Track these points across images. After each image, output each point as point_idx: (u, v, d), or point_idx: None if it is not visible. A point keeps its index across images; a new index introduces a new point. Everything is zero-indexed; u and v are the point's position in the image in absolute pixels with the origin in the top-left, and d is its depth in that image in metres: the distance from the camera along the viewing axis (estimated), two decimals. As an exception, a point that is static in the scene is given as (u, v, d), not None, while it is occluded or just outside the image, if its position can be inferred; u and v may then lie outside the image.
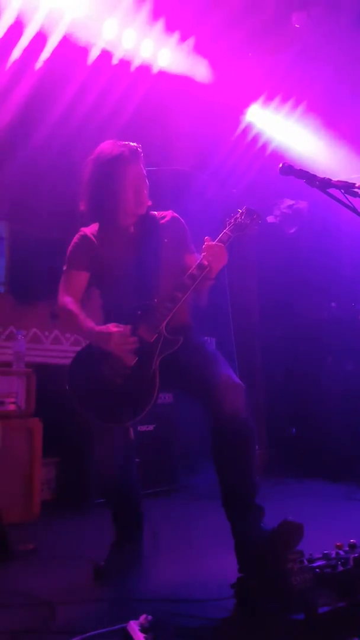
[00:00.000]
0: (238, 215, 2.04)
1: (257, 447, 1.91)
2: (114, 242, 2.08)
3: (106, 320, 2.10)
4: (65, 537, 2.57)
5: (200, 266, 1.95)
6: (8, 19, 3.04)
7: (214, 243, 1.97)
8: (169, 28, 3.56)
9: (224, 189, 4.00)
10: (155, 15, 3.46)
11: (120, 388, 1.92)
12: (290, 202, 4.26)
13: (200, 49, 3.75)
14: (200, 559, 2.16)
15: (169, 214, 2.16)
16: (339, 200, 1.75)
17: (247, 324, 4.27)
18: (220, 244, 1.97)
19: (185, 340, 1.95)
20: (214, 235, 2.00)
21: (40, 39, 3.17)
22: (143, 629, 1.42)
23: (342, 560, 1.49)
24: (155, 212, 2.15)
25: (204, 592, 1.75)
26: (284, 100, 4.22)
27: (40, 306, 3.44)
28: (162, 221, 2.13)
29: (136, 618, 1.46)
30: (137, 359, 1.91)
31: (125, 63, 3.56)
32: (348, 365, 3.85)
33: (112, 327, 1.91)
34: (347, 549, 1.56)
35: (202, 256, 1.96)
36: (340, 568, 1.46)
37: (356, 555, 1.51)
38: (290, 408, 4.09)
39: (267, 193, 4.14)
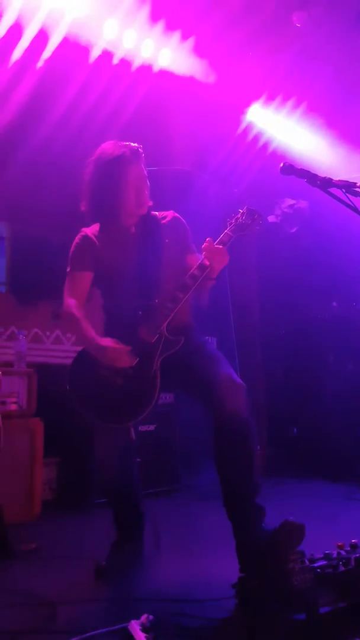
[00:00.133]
0: (239, 215, 2.03)
1: (257, 447, 1.91)
2: (115, 243, 2.08)
3: (107, 320, 2.11)
4: (67, 536, 2.57)
5: (202, 266, 1.95)
6: (9, 19, 3.04)
7: (215, 243, 1.97)
8: (170, 28, 3.55)
9: (225, 188, 3.99)
10: (156, 15, 3.46)
11: (121, 388, 1.92)
12: (291, 201, 4.26)
13: (200, 49, 3.75)
14: (201, 558, 2.16)
15: (170, 214, 2.16)
16: (340, 200, 1.74)
17: (248, 323, 4.27)
18: (221, 244, 1.97)
19: (186, 340, 1.95)
20: (215, 235, 2.00)
21: (41, 38, 3.17)
22: (144, 629, 1.42)
23: (344, 560, 1.49)
24: (157, 212, 2.15)
25: (205, 592, 1.75)
26: (285, 99, 4.21)
27: (42, 306, 3.45)
28: (163, 221, 2.13)
29: (137, 618, 1.47)
30: (138, 359, 1.91)
31: (126, 63, 3.57)
32: (349, 365, 3.84)
33: (110, 342, 1.90)
34: (349, 549, 1.56)
35: (203, 256, 1.96)
36: (342, 568, 1.46)
37: (357, 555, 1.51)
38: (291, 408, 4.09)
39: (268, 193, 4.13)
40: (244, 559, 1.78)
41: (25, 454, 2.83)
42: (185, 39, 3.65)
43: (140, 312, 1.97)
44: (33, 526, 2.70)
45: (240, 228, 2.02)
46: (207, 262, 1.94)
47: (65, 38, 3.23)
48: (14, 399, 2.86)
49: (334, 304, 3.97)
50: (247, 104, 4.28)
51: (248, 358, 4.03)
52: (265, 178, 3.94)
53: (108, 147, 2.07)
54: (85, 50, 3.36)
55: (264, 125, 4.37)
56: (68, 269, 2.10)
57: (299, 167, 1.80)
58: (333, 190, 1.76)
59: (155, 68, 3.69)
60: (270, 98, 4.22)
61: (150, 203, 2.10)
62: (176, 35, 3.61)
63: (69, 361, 2.11)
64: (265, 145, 4.37)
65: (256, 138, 4.36)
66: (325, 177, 1.76)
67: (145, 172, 2.08)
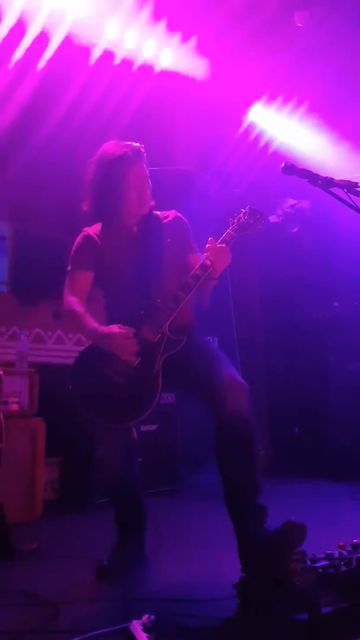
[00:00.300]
0: (241, 215, 2.03)
1: (259, 447, 1.90)
2: (117, 242, 2.08)
3: (109, 320, 2.11)
4: (68, 536, 2.57)
5: (204, 266, 1.95)
6: (11, 19, 3.05)
7: (217, 243, 1.97)
8: (171, 28, 3.55)
9: (226, 188, 3.99)
10: (157, 15, 3.46)
11: (123, 388, 1.92)
12: (292, 201, 4.25)
13: (202, 49, 3.75)
14: (203, 558, 2.16)
15: (172, 213, 2.16)
16: (341, 200, 1.74)
17: (249, 323, 4.27)
18: (223, 244, 1.97)
19: (188, 340, 1.95)
20: (217, 235, 2.00)
21: (42, 39, 3.17)
22: (146, 629, 1.42)
23: (345, 560, 1.48)
24: (158, 212, 2.15)
25: (207, 592, 1.75)
26: (286, 99, 4.21)
27: (43, 306, 3.45)
28: (165, 221, 2.13)
29: (139, 618, 1.47)
30: (140, 359, 1.91)
31: (127, 63, 3.57)
32: (351, 365, 3.84)
33: (115, 328, 1.91)
34: (350, 549, 1.55)
35: (205, 256, 1.96)
36: (343, 568, 1.46)
37: (359, 555, 1.50)
38: (292, 407, 4.09)
39: (269, 192, 4.13)
40: (245, 559, 1.78)
41: (27, 453, 2.84)
42: (186, 39, 3.65)
43: (142, 312, 1.97)
44: (34, 526, 2.70)
45: (243, 228, 2.01)
46: (209, 262, 1.94)
47: (67, 38, 3.23)
48: (15, 399, 2.86)
49: (335, 303, 3.97)
50: (249, 104, 4.28)
51: (249, 358, 4.02)
52: (266, 178, 3.94)
53: (110, 147, 2.07)
54: (86, 50, 3.36)
55: (266, 125, 4.36)
56: (69, 268, 2.10)
57: (301, 167, 1.80)
58: (334, 190, 1.75)
59: (157, 68, 3.69)
60: (272, 98, 4.22)
61: (152, 203, 2.10)
62: (177, 35, 3.61)
63: (70, 361, 2.11)
64: (267, 145, 4.37)
65: (257, 138, 4.36)
66: (326, 177, 1.76)
67: (147, 172, 2.08)
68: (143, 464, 2.32)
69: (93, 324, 1.95)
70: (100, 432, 2.06)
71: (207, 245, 1.97)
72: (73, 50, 3.29)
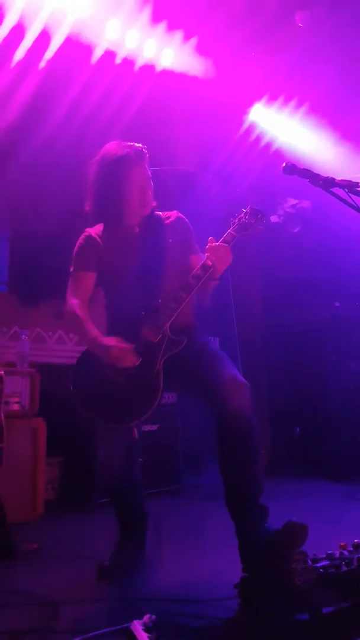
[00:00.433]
0: (242, 215, 2.03)
1: (261, 447, 1.90)
2: (119, 243, 2.08)
3: (110, 320, 2.11)
4: (69, 536, 2.57)
5: (205, 266, 1.95)
6: (12, 19, 3.05)
7: (218, 243, 1.97)
8: (172, 28, 3.56)
9: (228, 188, 3.99)
10: (158, 15, 3.46)
11: (124, 388, 1.92)
12: (293, 201, 4.25)
13: (203, 49, 3.75)
14: (204, 558, 2.16)
15: (173, 214, 2.16)
16: (342, 200, 1.74)
17: (250, 323, 4.27)
18: (224, 244, 1.97)
19: (189, 340, 1.95)
20: (218, 235, 2.00)
21: (43, 39, 3.18)
22: (147, 629, 1.42)
23: (346, 560, 1.48)
24: (160, 213, 2.15)
25: (208, 592, 1.75)
26: (287, 99, 4.21)
27: (44, 306, 3.45)
28: (167, 221, 2.13)
29: (140, 618, 1.47)
30: (141, 359, 1.91)
31: (128, 63, 3.57)
32: (352, 365, 3.83)
33: (114, 342, 1.90)
34: (351, 549, 1.55)
35: (206, 256, 1.96)
36: (344, 568, 1.46)
37: (360, 555, 1.50)
38: (293, 408, 4.08)
39: (270, 192, 4.13)
40: (246, 558, 1.78)
41: (28, 453, 2.84)
42: (187, 39, 3.65)
43: (143, 312, 1.97)
44: (35, 526, 2.70)
45: (244, 228, 2.01)
46: (210, 262, 1.94)
47: (68, 38, 3.23)
48: (16, 399, 2.86)
49: (337, 303, 3.97)
50: (250, 104, 4.28)
51: (250, 358, 4.02)
52: (267, 178, 3.94)
53: (112, 147, 2.07)
54: (87, 50, 3.37)
55: (267, 125, 4.36)
56: (71, 269, 2.10)
57: (302, 167, 1.80)
58: (335, 190, 1.75)
59: (158, 68, 3.69)
60: (273, 98, 4.22)
61: (154, 203, 2.10)
62: (178, 35, 3.61)
63: (71, 361, 2.11)
64: (268, 145, 4.37)
65: (258, 138, 4.36)
66: (327, 177, 1.76)
67: (149, 172, 2.08)
68: (144, 464, 2.33)
69: (94, 332, 1.95)
70: (100, 432, 2.06)
71: (208, 246, 1.97)
72: (74, 50, 3.29)
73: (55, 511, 2.94)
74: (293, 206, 4.24)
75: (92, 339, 1.94)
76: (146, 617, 1.46)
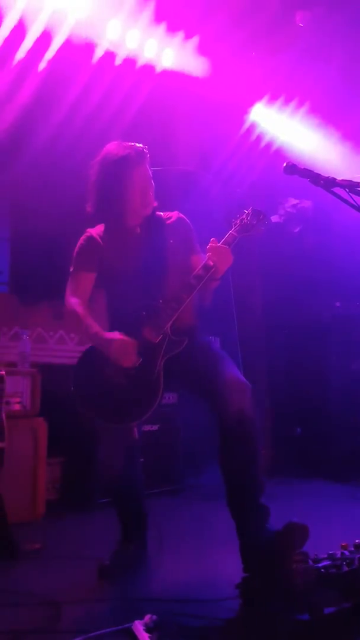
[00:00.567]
0: (244, 216, 2.03)
1: (261, 447, 1.90)
2: (120, 243, 2.08)
3: (111, 321, 2.11)
4: (70, 536, 2.58)
5: (206, 267, 1.95)
6: (12, 20, 3.05)
7: (219, 244, 1.97)
8: (173, 28, 3.55)
9: (228, 188, 3.99)
10: (159, 15, 3.46)
11: (124, 388, 1.92)
12: (294, 201, 4.25)
13: (203, 49, 3.75)
14: (205, 559, 2.16)
15: (174, 214, 2.16)
16: (343, 200, 1.74)
17: (251, 323, 4.26)
18: (226, 245, 1.97)
19: (190, 340, 1.95)
20: (219, 235, 2.00)
21: (44, 39, 3.18)
22: (148, 629, 1.42)
23: (347, 561, 1.48)
24: (161, 213, 2.15)
25: (209, 592, 1.75)
26: (288, 99, 4.21)
27: (45, 306, 3.45)
28: (168, 222, 2.13)
29: (141, 618, 1.47)
30: (141, 359, 1.91)
31: (129, 63, 3.57)
32: (353, 365, 3.83)
33: (117, 335, 1.90)
34: (352, 549, 1.55)
35: (207, 257, 1.96)
36: (346, 568, 1.46)
37: (361, 555, 1.50)
38: (294, 408, 4.08)
39: (271, 192, 4.13)
40: (247, 559, 1.78)
41: (29, 453, 2.84)
42: (188, 38, 3.65)
43: (144, 313, 1.97)
44: (37, 526, 2.70)
45: (245, 229, 2.01)
46: (212, 263, 1.94)
47: (69, 38, 3.23)
48: (17, 399, 2.86)
49: (338, 303, 3.97)
50: (250, 104, 4.27)
51: (251, 358, 4.02)
52: (268, 178, 3.94)
53: (113, 147, 2.07)
54: (88, 50, 3.36)
55: (267, 125, 4.36)
56: (71, 269, 2.10)
57: (302, 167, 1.80)
58: (336, 189, 1.75)
59: (158, 68, 3.69)
60: (274, 98, 4.22)
61: (155, 204, 2.10)
62: (179, 36, 3.61)
63: (72, 361, 2.11)
64: (269, 145, 4.36)
65: (259, 138, 4.35)
66: (328, 177, 1.76)
67: (150, 172, 2.08)
68: (144, 464, 2.32)
69: (95, 327, 1.95)
70: (101, 433, 2.06)
71: (209, 246, 1.97)
72: (75, 50, 3.29)
73: (56, 511, 2.94)
74: (294, 206, 4.24)
75: (93, 334, 1.95)
76: (147, 617, 1.46)
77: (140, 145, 2.06)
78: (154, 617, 1.46)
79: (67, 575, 2.03)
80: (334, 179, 1.75)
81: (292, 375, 4.16)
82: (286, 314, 4.20)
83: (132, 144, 2.06)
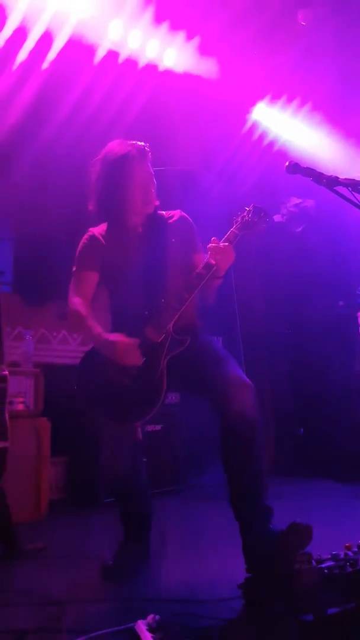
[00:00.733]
0: (245, 214, 2.02)
1: (265, 447, 1.90)
2: (122, 242, 2.08)
3: (114, 320, 2.11)
4: (73, 536, 2.58)
5: (208, 265, 1.94)
6: (14, 21, 3.05)
7: (221, 242, 1.97)
8: (175, 28, 3.55)
9: (230, 188, 3.99)
10: (161, 15, 3.46)
11: (127, 388, 1.92)
12: (297, 200, 4.24)
13: (205, 48, 3.75)
14: (208, 559, 2.16)
15: (177, 213, 2.16)
16: (346, 199, 1.73)
17: (253, 323, 4.26)
18: (227, 242, 1.97)
19: (192, 339, 1.95)
20: (220, 235, 2.00)
21: (46, 40, 3.18)
22: (151, 629, 1.42)
23: (351, 561, 1.48)
24: (163, 212, 2.14)
25: (212, 592, 1.75)
26: (290, 98, 4.20)
27: (48, 307, 3.46)
28: (170, 221, 2.13)
29: (144, 618, 1.47)
30: (144, 359, 1.91)
31: (131, 63, 3.57)
32: (356, 364, 3.82)
33: (120, 337, 1.90)
34: (356, 549, 1.55)
35: (208, 255, 1.95)
36: (349, 569, 1.45)
37: (365, 555, 1.50)
38: (297, 408, 4.07)
39: (273, 192, 4.12)
40: (250, 559, 1.78)
41: (33, 453, 2.85)
42: (190, 38, 3.65)
43: (146, 312, 1.97)
44: (40, 526, 2.70)
45: (247, 226, 2.01)
46: (213, 261, 1.94)
47: (71, 39, 3.24)
48: (21, 399, 2.87)
49: (340, 302, 3.96)
50: (252, 103, 4.27)
51: (254, 358, 4.01)
52: (270, 177, 3.93)
53: (114, 146, 2.07)
54: (90, 50, 3.37)
55: (269, 124, 4.35)
56: (74, 269, 2.10)
57: (305, 166, 1.79)
58: (339, 188, 1.75)
59: (161, 68, 3.69)
60: (276, 97, 4.21)
61: (157, 202, 2.10)
62: (181, 35, 3.61)
63: (75, 361, 2.11)
64: (271, 144, 4.36)
65: (261, 137, 4.35)
66: (331, 176, 1.75)
67: (152, 171, 2.07)
68: (148, 464, 2.32)
69: (97, 328, 1.95)
70: (105, 433, 2.06)
71: (210, 245, 1.96)
72: (77, 51, 3.29)
73: (60, 511, 2.95)
74: (296, 205, 4.23)
75: (96, 335, 1.94)
76: (150, 617, 1.46)
77: (142, 143, 2.06)
78: (157, 617, 1.46)
79: (70, 575, 2.03)
80: (336, 178, 1.74)
81: (294, 374, 4.15)
82: (289, 313, 4.19)
83: (134, 142, 2.05)
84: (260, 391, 1.95)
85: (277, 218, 4.20)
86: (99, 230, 2.13)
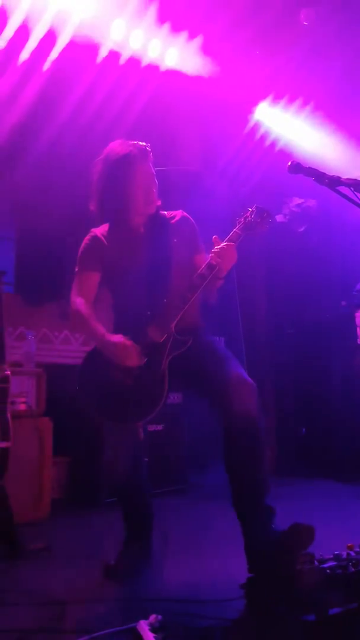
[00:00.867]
0: (248, 214, 2.02)
1: (267, 447, 1.89)
2: (124, 242, 2.08)
3: (116, 320, 2.11)
4: (76, 536, 2.58)
5: (210, 266, 1.94)
6: (17, 21, 3.06)
7: (223, 242, 1.97)
8: (177, 27, 3.55)
9: (233, 187, 3.98)
10: (163, 15, 3.46)
11: (129, 388, 1.92)
12: (299, 200, 4.24)
13: (207, 48, 3.74)
14: (210, 559, 2.16)
15: (179, 213, 2.16)
16: (348, 198, 1.73)
17: (256, 323, 4.26)
18: (230, 243, 1.97)
19: (195, 340, 1.95)
20: (223, 235, 2.00)
21: (48, 40, 3.19)
22: (153, 629, 1.42)
23: (353, 561, 1.48)
24: (165, 212, 2.14)
25: (214, 592, 1.75)
26: (292, 98, 4.19)
27: (50, 306, 3.46)
28: (172, 221, 2.13)
29: (146, 618, 1.47)
30: (146, 359, 1.91)
31: (133, 63, 3.57)
32: (358, 365, 3.82)
33: (121, 339, 1.90)
34: (358, 549, 1.55)
35: (211, 256, 1.95)
36: (351, 569, 1.45)
37: (367, 556, 1.49)
38: (299, 408, 4.07)
39: (275, 191, 4.12)
40: (252, 559, 1.78)
41: (35, 453, 2.85)
42: (192, 38, 3.65)
43: (148, 312, 1.97)
44: (42, 525, 2.71)
45: (249, 227, 2.00)
46: (215, 262, 1.93)
47: (73, 39, 3.24)
48: (23, 399, 2.87)
49: (343, 302, 3.95)
50: (255, 103, 4.27)
51: (256, 357, 4.01)
52: (272, 177, 3.93)
53: (116, 146, 2.07)
54: (92, 50, 3.37)
55: (272, 124, 4.35)
56: (76, 269, 2.10)
57: (307, 166, 1.79)
58: (341, 188, 1.74)
59: (162, 68, 3.69)
60: (278, 97, 4.21)
61: (159, 202, 2.10)
62: (183, 35, 3.61)
63: (77, 361, 2.11)
64: (273, 144, 4.36)
65: (264, 137, 4.34)
66: (333, 176, 1.75)
67: (154, 171, 2.07)
68: (150, 464, 2.33)
69: (100, 329, 1.95)
70: (106, 432, 2.06)
71: (213, 244, 1.96)
72: (79, 50, 3.30)
73: (62, 510, 2.95)
74: (298, 205, 4.23)
75: (98, 336, 1.95)
76: (152, 617, 1.46)
77: (143, 143, 2.06)
78: (159, 617, 1.46)
79: (72, 574, 2.03)
80: (338, 178, 1.74)
81: (297, 374, 4.15)
82: (291, 313, 4.19)
83: (135, 142, 2.06)
84: (262, 391, 1.95)
85: (279, 218, 4.19)
86: (101, 230, 2.13)
